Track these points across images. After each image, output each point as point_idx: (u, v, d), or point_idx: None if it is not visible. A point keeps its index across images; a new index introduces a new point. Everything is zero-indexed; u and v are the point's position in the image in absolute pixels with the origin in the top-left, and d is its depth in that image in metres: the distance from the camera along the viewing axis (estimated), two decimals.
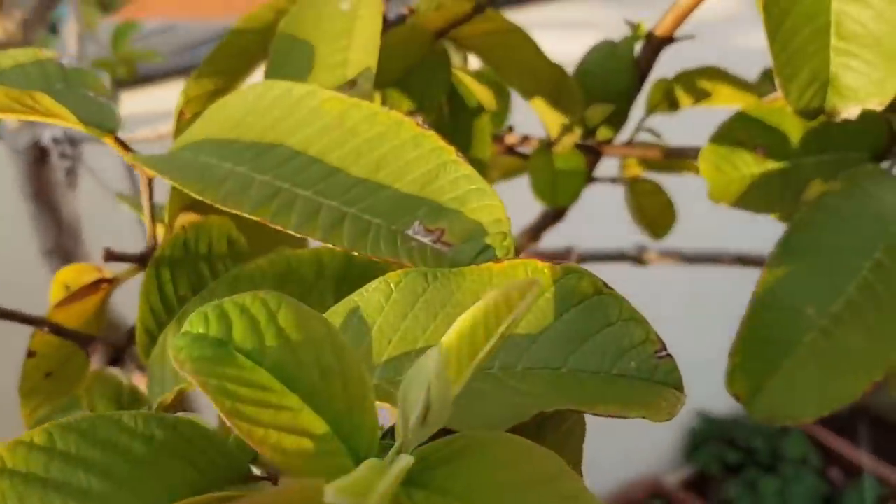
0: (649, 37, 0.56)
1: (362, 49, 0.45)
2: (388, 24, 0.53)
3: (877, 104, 0.39)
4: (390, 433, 0.23)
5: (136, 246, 0.46)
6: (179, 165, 0.37)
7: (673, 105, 0.61)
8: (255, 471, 0.23)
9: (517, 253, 0.83)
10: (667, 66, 0.62)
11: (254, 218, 0.32)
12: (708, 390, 0.96)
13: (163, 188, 0.40)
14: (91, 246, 0.92)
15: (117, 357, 0.45)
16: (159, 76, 1.59)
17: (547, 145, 0.60)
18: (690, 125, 0.70)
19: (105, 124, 0.41)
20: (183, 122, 0.50)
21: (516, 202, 0.71)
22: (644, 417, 0.24)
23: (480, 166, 0.57)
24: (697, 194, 0.53)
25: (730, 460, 2.31)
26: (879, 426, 2.25)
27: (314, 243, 0.35)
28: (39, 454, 0.22)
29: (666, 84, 0.60)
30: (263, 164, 0.37)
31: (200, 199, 0.34)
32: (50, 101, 0.37)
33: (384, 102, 0.50)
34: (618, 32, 0.59)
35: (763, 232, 0.60)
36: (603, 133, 0.61)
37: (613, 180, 0.70)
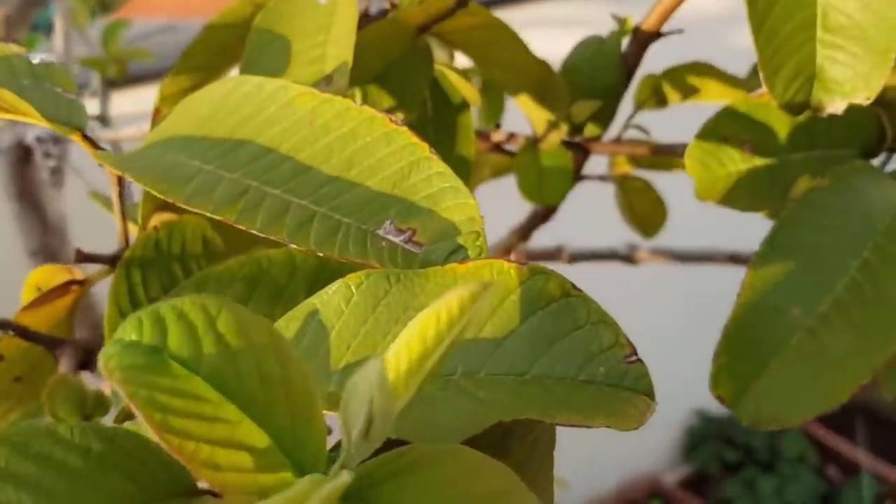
0: (636, 32, 0.55)
1: (339, 44, 0.44)
2: (369, 19, 0.52)
3: (863, 99, 0.38)
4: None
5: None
6: (145, 164, 0.36)
7: (661, 101, 0.60)
8: (201, 484, 0.22)
9: (507, 252, 0.82)
10: (659, 63, 0.61)
11: (216, 218, 0.31)
12: (706, 389, 0.95)
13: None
14: (78, 246, 0.91)
15: (88, 360, 0.44)
16: (152, 76, 1.58)
17: (533, 143, 0.59)
18: (683, 121, 0.69)
19: (72, 121, 0.40)
20: (158, 120, 0.49)
21: (506, 200, 0.70)
22: (609, 426, 0.23)
23: (465, 164, 0.56)
24: (689, 192, 0.53)
25: (728, 459, 2.30)
26: (877, 424, 2.24)
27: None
28: None
29: (654, 80, 0.59)
30: (232, 162, 0.36)
31: (163, 198, 0.33)
32: (12, 96, 0.36)
33: (364, 99, 0.49)
34: (611, 29, 0.58)
35: (757, 230, 0.59)
36: (590, 130, 0.60)
37: (602, 178, 0.69)
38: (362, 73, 0.49)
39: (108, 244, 0.45)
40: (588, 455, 1.95)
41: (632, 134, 0.63)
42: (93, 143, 0.40)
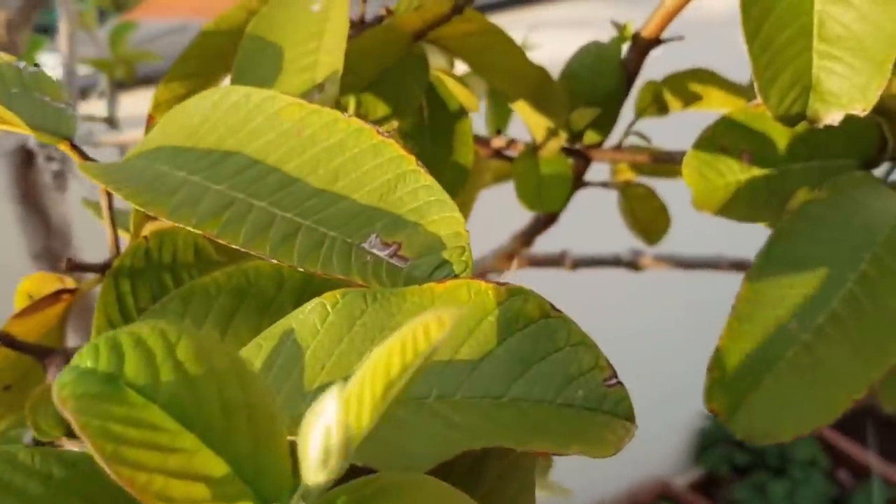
0: (635, 39, 0.54)
1: (332, 51, 0.44)
2: (365, 25, 0.52)
3: (860, 110, 0.37)
4: None
5: None
6: (130, 175, 0.36)
7: (662, 108, 0.59)
8: None
9: (510, 258, 0.82)
10: (666, 65, 0.60)
11: (197, 232, 0.31)
12: None
13: None
14: (83, 250, 0.91)
15: None
16: (162, 78, 1.57)
17: (532, 150, 0.59)
18: (687, 128, 0.68)
19: (60, 130, 0.39)
20: (151, 127, 0.48)
21: (508, 206, 0.70)
22: (583, 454, 0.23)
23: (462, 170, 0.55)
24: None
25: (738, 462, 2.29)
26: (887, 427, 2.22)
27: None
28: None
29: (654, 87, 0.59)
30: (219, 173, 0.35)
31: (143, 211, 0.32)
32: None
33: (359, 106, 0.49)
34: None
35: (762, 238, 0.58)
36: (590, 137, 0.59)
37: (605, 185, 0.68)
38: (357, 79, 0.49)
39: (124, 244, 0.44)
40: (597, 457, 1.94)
41: (633, 140, 0.62)
42: (81, 153, 0.40)
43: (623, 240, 0.80)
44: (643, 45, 0.54)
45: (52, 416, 0.34)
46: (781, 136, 0.45)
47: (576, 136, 0.59)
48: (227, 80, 0.48)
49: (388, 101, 0.49)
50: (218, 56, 0.50)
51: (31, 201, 0.84)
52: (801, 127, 0.44)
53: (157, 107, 0.49)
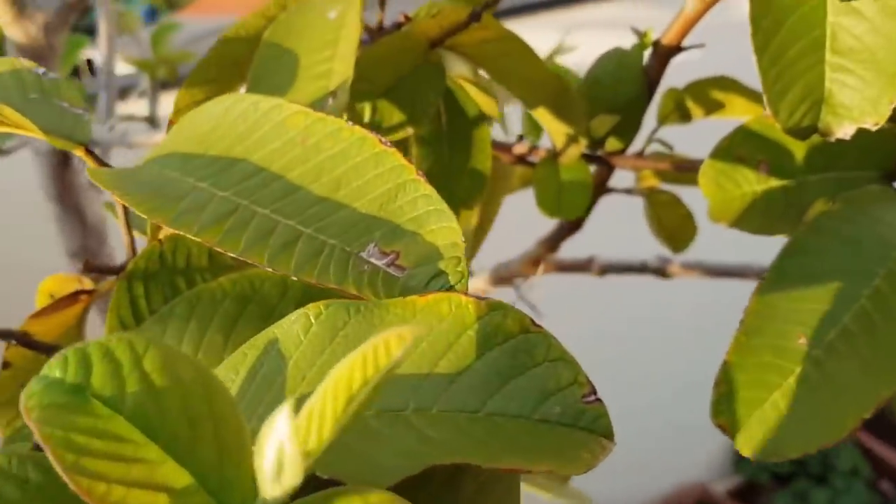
0: (656, 46, 0.54)
1: (345, 60, 0.44)
2: (382, 32, 0.52)
3: (871, 124, 0.37)
4: None
5: None
6: (139, 181, 0.36)
7: (685, 116, 0.59)
8: None
9: (536, 263, 0.82)
10: (691, 70, 0.60)
11: (196, 240, 0.31)
12: None
13: None
14: (118, 248, 0.93)
15: None
16: None
17: (552, 156, 0.59)
18: (711, 136, 0.67)
19: (75, 136, 0.40)
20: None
21: (535, 211, 0.69)
22: (555, 471, 0.23)
23: (480, 177, 0.55)
24: None
25: (779, 470, 2.26)
26: None
27: None
28: None
29: (677, 94, 0.58)
30: (225, 180, 0.36)
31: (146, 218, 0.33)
32: (11, 112, 0.36)
33: (374, 113, 0.49)
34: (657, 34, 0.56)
35: None
36: (613, 144, 0.59)
37: (629, 191, 0.68)
38: (373, 86, 0.49)
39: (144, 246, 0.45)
40: (637, 463, 1.92)
41: (656, 148, 0.62)
42: (97, 159, 0.41)
43: (651, 246, 0.80)
44: (663, 53, 0.53)
45: None
46: (799, 147, 0.45)
47: (597, 143, 0.59)
48: (244, 87, 0.49)
49: (403, 109, 0.50)
50: (236, 62, 0.51)
51: (68, 200, 0.86)
52: (818, 138, 0.44)
53: (177, 111, 0.49)
